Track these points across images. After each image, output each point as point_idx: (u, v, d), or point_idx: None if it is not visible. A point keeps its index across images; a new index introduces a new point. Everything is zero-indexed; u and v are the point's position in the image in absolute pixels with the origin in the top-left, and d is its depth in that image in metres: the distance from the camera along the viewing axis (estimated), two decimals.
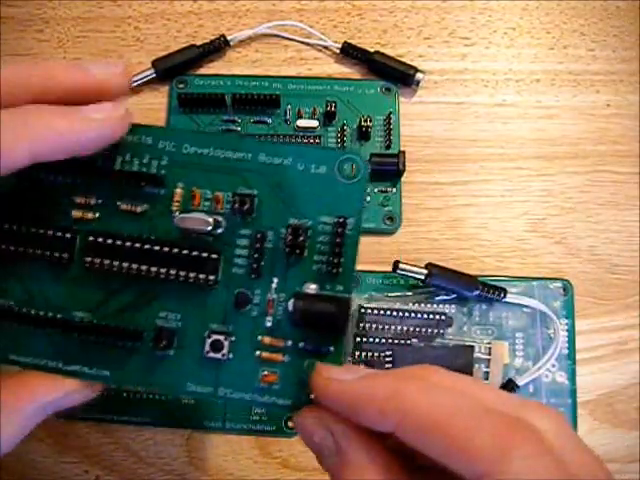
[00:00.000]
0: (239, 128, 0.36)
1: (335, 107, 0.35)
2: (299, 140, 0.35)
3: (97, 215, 0.22)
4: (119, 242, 0.22)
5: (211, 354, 0.21)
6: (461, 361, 0.32)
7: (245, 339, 0.22)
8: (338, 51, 0.38)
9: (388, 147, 0.36)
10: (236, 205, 0.21)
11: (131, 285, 0.22)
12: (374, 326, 0.32)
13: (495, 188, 0.36)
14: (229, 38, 0.37)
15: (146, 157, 0.22)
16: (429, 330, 0.32)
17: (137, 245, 0.22)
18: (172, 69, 0.36)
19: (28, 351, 0.22)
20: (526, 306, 0.33)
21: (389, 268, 0.32)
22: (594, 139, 0.37)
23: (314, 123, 0.36)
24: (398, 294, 0.33)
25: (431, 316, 0.32)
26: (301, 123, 0.36)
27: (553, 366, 0.33)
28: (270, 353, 0.22)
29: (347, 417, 0.19)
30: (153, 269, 0.22)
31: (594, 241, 0.36)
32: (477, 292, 0.32)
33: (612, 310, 0.35)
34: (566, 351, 0.33)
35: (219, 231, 0.22)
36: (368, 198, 0.35)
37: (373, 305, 0.32)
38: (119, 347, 0.22)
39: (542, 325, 0.33)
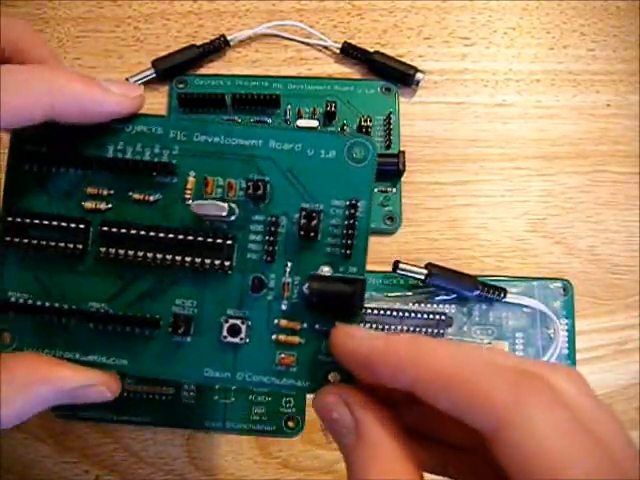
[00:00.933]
0: None
1: (335, 107, 0.35)
2: None
3: (110, 205, 0.22)
4: (133, 231, 0.22)
5: (229, 339, 0.22)
6: None
7: (262, 323, 0.22)
8: (338, 51, 0.38)
9: (388, 147, 0.36)
10: (250, 191, 0.21)
11: (146, 274, 0.22)
12: (374, 326, 0.32)
13: (495, 188, 0.36)
14: (229, 38, 0.37)
15: (157, 147, 0.22)
16: (429, 330, 0.32)
17: (151, 234, 0.22)
18: (172, 69, 0.36)
19: (45, 344, 0.22)
20: (526, 306, 0.33)
21: (389, 268, 0.32)
22: (594, 139, 0.37)
23: (314, 123, 0.36)
24: (398, 294, 0.33)
25: (431, 316, 0.32)
26: (301, 123, 0.36)
27: None
28: (287, 336, 0.22)
29: (365, 374, 0.19)
30: (168, 257, 0.22)
31: (594, 241, 0.36)
32: (477, 292, 0.32)
33: (612, 310, 0.35)
34: (566, 351, 0.33)
35: (233, 218, 0.22)
36: None
37: (373, 305, 0.32)
38: (136, 336, 0.22)
39: (542, 325, 0.33)
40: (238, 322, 0.22)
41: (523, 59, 0.39)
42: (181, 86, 0.37)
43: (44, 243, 0.22)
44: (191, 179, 0.22)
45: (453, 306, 0.33)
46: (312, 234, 0.22)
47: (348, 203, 0.22)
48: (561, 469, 0.15)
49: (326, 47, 0.38)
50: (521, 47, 0.39)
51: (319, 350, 0.22)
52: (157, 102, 0.37)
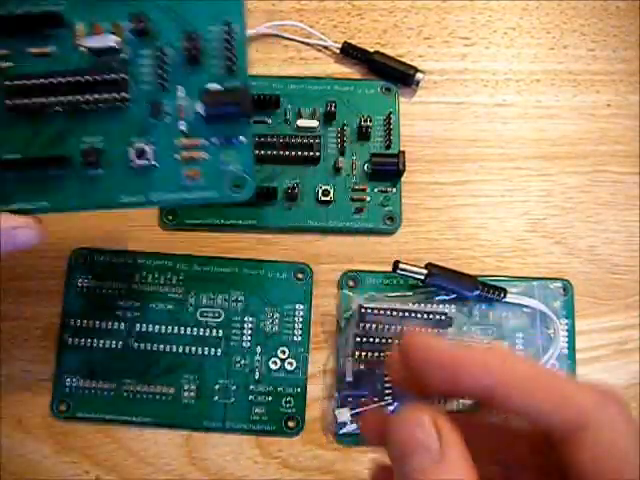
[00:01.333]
0: None
1: (335, 107, 0.35)
2: (298, 140, 0.35)
3: (11, 64, 0.24)
4: (35, 81, 0.24)
5: (137, 162, 0.24)
6: None
7: (165, 145, 0.24)
8: (338, 51, 0.38)
9: (388, 147, 0.36)
10: (133, 25, 0.24)
11: (53, 119, 0.24)
12: (374, 326, 0.32)
13: (495, 188, 0.36)
14: None
15: (46, 2, 0.24)
16: (429, 330, 0.32)
17: (52, 80, 0.24)
18: None
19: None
20: (526, 306, 0.33)
21: (389, 268, 0.32)
22: (594, 139, 0.37)
23: (314, 123, 0.36)
24: (398, 294, 0.33)
25: (431, 316, 0.32)
26: (301, 123, 0.36)
27: (553, 366, 0.33)
28: (189, 152, 0.24)
29: (447, 379, 0.19)
30: (70, 98, 0.24)
31: (594, 241, 0.36)
32: (477, 292, 0.32)
33: (612, 310, 0.35)
34: (566, 351, 0.33)
35: (124, 55, 0.24)
36: (368, 198, 0.35)
37: (373, 305, 0.32)
38: (52, 177, 0.24)
39: (542, 325, 0.33)
40: (143, 145, 0.24)
41: (523, 59, 0.39)
42: None
43: None
44: (80, 27, 0.24)
45: (453, 306, 0.33)
46: (195, 55, 0.24)
47: (224, 26, 0.24)
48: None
49: (326, 47, 0.38)
50: (521, 47, 0.39)
51: (220, 161, 0.24)
52: None
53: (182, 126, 0.24)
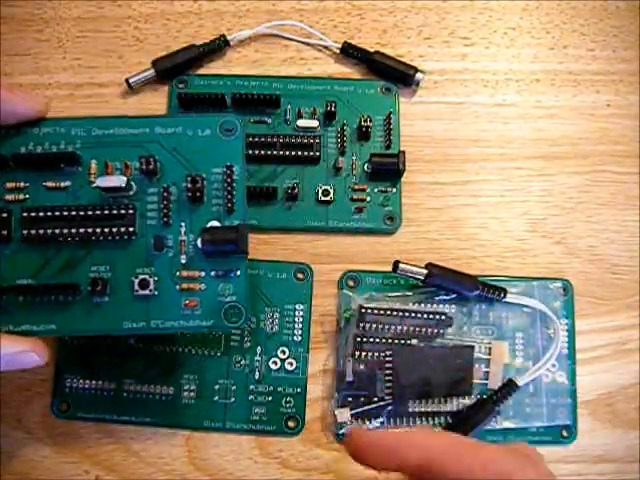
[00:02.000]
0: None
1: (335, 107, 0.35)
2: (298, 140, 0.35)
3: (27, 196, 0.27)
4: (49, 213, 0.26)
5: (140, 292, 0.26)
6: (461, 361, 0.32)
7: (166, 276, 0.26)
8: (338, 51, 0.38)
9: (388, 147, 0.36)
10: (142, 166, 0.26)
11: (64, 248, 0.26)
12: (374, 326, 0.32)
13: (495, 188, 0.36)
14: (229, 38, 0.37)
15: (62, 143, 0.27)
16: (429, 330, 0.32)
17: (65, 213, 0.26)
18: (172, 69, 0.36)
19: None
20: (526, 306, 0.33)
21: (389, 268, 0.32)
22: (594, 139, 0.37)
23: (314, 123, 0.36)
24: (398, 294, 0.33)
25: (431, 316, 0.32)
26: (301, 123, 0.36)
27: (553, 366, 0.33)
28: (188, 284, 0.26)
29: (392, 463, 0.22)
30: (81, 230, 0.26)
31: (594, 241, 0.36)
32: (477, 292, 0.32)
33: (612, 310, 0.35)
34: (566, 351, 0.33)
35: (131, 192, 0.27)
36: (368, 198, 0.35)
37: (373, 305, 0.32)
38: (60, 303, 0.26)
39: (542, 325, 0.33)
40: (146, 277, 0.26)
41: (523, 59, 0.39)
42: (181, 86, 0.37)
43: None
44: (93, 165, 0.27)
45: (453, 306, 0.33)
46: (198, 195, 0.26)
47: (225, 169, 0.27)
48: None
49: (326, 47, 0.38)
50: (521, 47, 0.39)
51: (217, 292, 0.26)
52: (157, 102, 0.37)
53: (183, 259, 0.26)
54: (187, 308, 0.26)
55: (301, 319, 0.33)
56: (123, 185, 0.26)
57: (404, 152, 0.35)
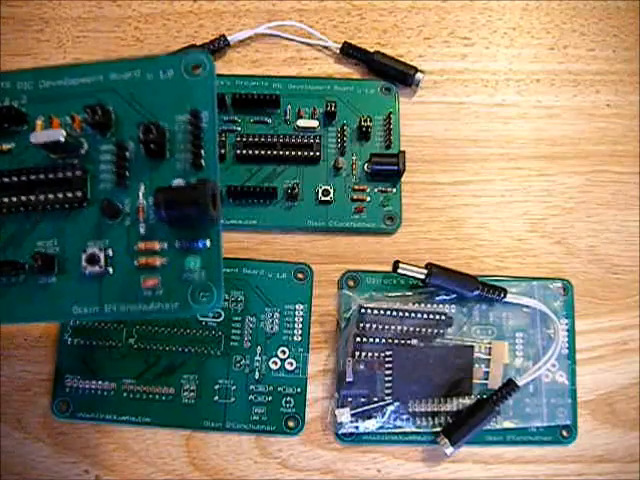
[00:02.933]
0: (239, 128, 0.36)
1: (335, 107, 0.35)
2: (298, 140, 0.35)
3: None
4: None
5: (89, 269, 0.21)
6: (461, 361, 0.32)
7: (122, 250, 0.22)
8: (338, 51, 0.38)
9: (388, 147, 0.36)
10: (89, 118, 0.22)
11: (7, 222, 0.22)
12: (374, 326, 0.32)
13: (495, 188, 0.36)
14: (229, 38, 0.37)
15: (6, 100, 0.23)
16: (429, 330, 0.32)
17: (5, 179, 0.22)
18: None
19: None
20: (526, 306, 0.33)
21: (389, 268, 0.32)
22: (594, 139, 0.37)
23: (314, 123, 0.36)
24: (398, 294, 0.33)
25: (431, 316, 0.32)
26: (301, 123, 0.36)
27: (553, 366, 0.33)
28: (147, 258, 0.21)
29: None
30: (24, 198, 0.22)
31: (594, 241, 0.36)
32: (477, 292, 0.32)
33: (612, 310, 0.35)
34: (566, 351, 0.33)
35: (82, 151, 0.22)
36: (368, 198, 0.35)
37: (373, 305, 0.32)
38: (2, 285, 0.22)
39: (542, 325, 0.33)
40: (95, 250, 0.22)
41: (523, 59, 0.39)
42: None
43: None
44: (39, 122, 0.23)
45: (453, 306, 0.33)
46: (155, 149, 0.22)
47: (190, 116, 0.22)
48: None
49: (326, 47, 0.38)
50: (521, 47, 0.39)
51: (183, 268, 0.21)
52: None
53: (141, 229, 0.22)
54: (147, 289, 0.21)
55: (301, 319, 0.33)
56: (61, 139, 0.21)
57: (404, 152, 0.35)
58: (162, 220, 0.22)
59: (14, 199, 0.22)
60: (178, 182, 0.22)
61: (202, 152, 0.22)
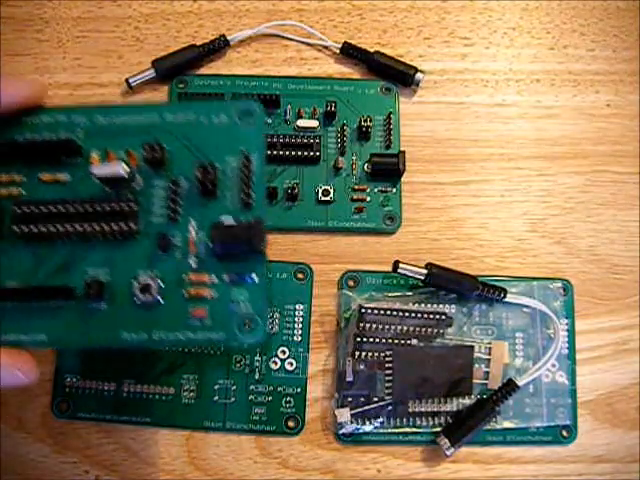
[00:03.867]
0: None
1: (335, 107, 0.35)
2: (298, 140, 0.35)
3: (22, 190, 0.24)
4: (44, 208, 0.23)
5: (141, 298, 0.22)
6: (461, 361, 0.32)
7: (172, 281, 0.23)
8: (338, 51, 0.38)
9: (388, 147, 0.36)
10: (147, 154, 0.23)
11: (59, 248, 0.23)
12: (374, 326, 0.32)
13: (495, 188, 0.36)
14: (229, 38, 0.37)
15: (62, 132, 0.24)
16: (429, 330, 0.32)
17: (60, 207, 0.23)
18: (172, 69, 0.36)
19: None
20: (526, 306, 0.33)
21: (389, 268, 0.32)
22: (594, 139, 0.37)
23: (314, 123, 0.36)
24: (398, 294, 0.33)
25: (431, 316, 0.32)
26: (301, 123, 0.36)
27: (553, 366, 0.33)
28: (197, 289, 0.23)
29: None
30: (78, 227, 0.23)
31: (594, 241, 0.36)
32: (477, 292, 0.32)
33: (612, 310, 0.35)
34: (566, 351, 0.33)
35: (136, 186, 0.24)
36: (368, 198, 0.35)
37: (373, 305, 0.32)
38: (52, 309, 0.23)
39: (542, 325, 0.33)
40: (148, 280, 0.23)
41: (523, 59, 0.39)
42: (181, 86, 0.37)
43: None
44: (94, 155, 0.24)
45: (453, 306, 0.33)
46: (210, 187, 0.23)
47: (242, 158, 0.23)
48: None
49: (326, 47, 0.38)
50: (521, 47, 0.39)
51: (230, 300, 0.23)
52: (157, 102, 0.37)
53: (191, 261, 0.23)
54: (195, 318, 0.22)
55: (301, 319, 0.33)
56: (123, 173, 0.23)
57: (404, 152, 0.35)
58: (215, 255, 0.23)
59: (69, 227, 0.23)
60: (227, 219, 0.23)
61: (251, 192, 0.23)
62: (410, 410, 0.32)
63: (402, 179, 0.35)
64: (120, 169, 0.22)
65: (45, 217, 0.23)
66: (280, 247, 0.34)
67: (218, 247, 0.22)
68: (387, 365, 0.32)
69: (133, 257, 0.23)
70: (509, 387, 0.31)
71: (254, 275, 0.23)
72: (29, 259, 0.23)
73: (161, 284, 0.23)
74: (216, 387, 0.32)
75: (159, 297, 0.23)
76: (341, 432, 0.32)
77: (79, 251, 0.23)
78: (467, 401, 0.32)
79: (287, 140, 0.35)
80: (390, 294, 0.33)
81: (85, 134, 0.24)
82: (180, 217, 0.23)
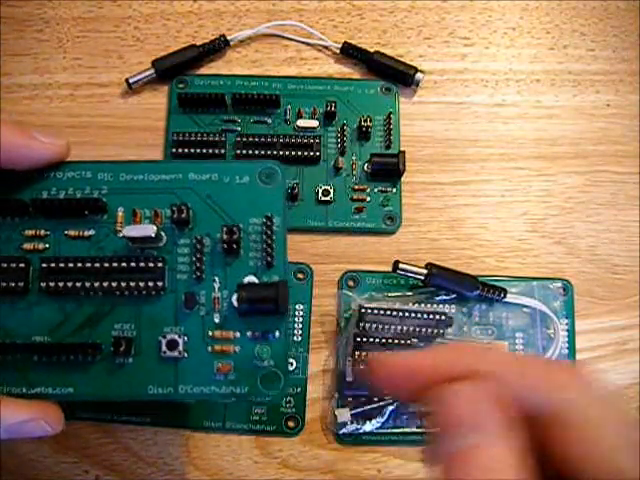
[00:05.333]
0: (239, 128, 0.36)
1: (335, 107, 0.35)
2: (298, 140, 0.35)
3: (47, 245, 0.24)
4: (71, 264, 0.23)
5: (168, 353, 0.23)
6: None
7: (197, 337, 0.24)
8: (338, 51, 0.38)
9: (388, 147, 0.36)
10: (174, 215, 0.24)
11: (86, 304, 0.24)
12: (374, 326, 0.32)
13: (495, 188, 0.36)
14: (229, 38, 0.37)
15: (87, 188, 0.25)
16: (429, 330, 0.32)
17: (87, 264, 0.23)
18: (172, 69, 0.36)
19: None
20: (526, 306, 0.33)
21: (389, 268, 0.32)
22: (594, 139, 0.37)
23: (314, 123, 0.36)
24: (398, 294, 0.33)
25: (431, 316, 0.32)
26: (301, 123, 0.36)
27: None
28: (222, 346, 0.24)
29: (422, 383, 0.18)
30: (105, 284, 0.23)
31: (594, 241, 0.36)
32: (477, 292, 0.32)
33: (612, 310, 0.35)
34: (566, 351, 0.33)
35: (161, 243, 0.24)
36: (368, 198, 0.35)
37: (373, 305, 0.32)
38: (79, 363, 0.23)
39: (542, 325, 0.33)
40: (175, 337, 0.23)
41: (523, 59, 0.39)
42: (181, 86, 0.37)
43: None
44: (120, 213, 0.25)
45: (453, 306, 0.33)
46: (234, 247, 0.24)
47: (264, 220, 0.24)
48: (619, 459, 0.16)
49: (326, 47, 0.38)
50: (521, 47, 0.39)
51: (254, 355, 0.23)
52: (157, 102, 0.37)
53: (216, 318, 0.24)
54: (220, 373, 0.23)
55: (301, 319, 0.33)
56: (153, 235, 0.23)
57: (404, 152, 0.35)
58: (239, 313, 0.24)
59: (95, 284, 0.23)
60: (250, 279, 0.24)
61: (273, 252, 0.24)
62: (410, 410, 0.32)
63: (402, 179, 0.35)
64: (151, 232, 0.23)
65: (71, 272, 0.23)
66: None
67: (244, 307, 0.23)
68: None
69: (159, 313, 0.24)
70: None
71: (277, 332, 0.24)
72: (56, 313, 0.24)
73: (186, 340, 0.24)
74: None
75: (185, 352, 0.23)
76: (341, 432, 0.32)
77: (105, 307, 0.24)
78: None
79: (287, 140, 0.35)
80: (390, 294, 0.33)
81: (109, 190, 0.25)
82: (204, 275, 0.24)
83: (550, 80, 0.38)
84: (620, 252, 0.35)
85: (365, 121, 0.35)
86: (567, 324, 0.33)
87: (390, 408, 0.31)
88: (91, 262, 0.23)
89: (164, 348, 0.23)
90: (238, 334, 0.24)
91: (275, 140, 0.35)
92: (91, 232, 0.24)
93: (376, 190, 0.35)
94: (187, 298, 0.24)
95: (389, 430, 0.31)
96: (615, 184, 0.36)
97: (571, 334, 0.33)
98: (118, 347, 0.23)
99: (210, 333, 0.24)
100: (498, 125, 0.37)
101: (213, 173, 0.25)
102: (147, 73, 0.36)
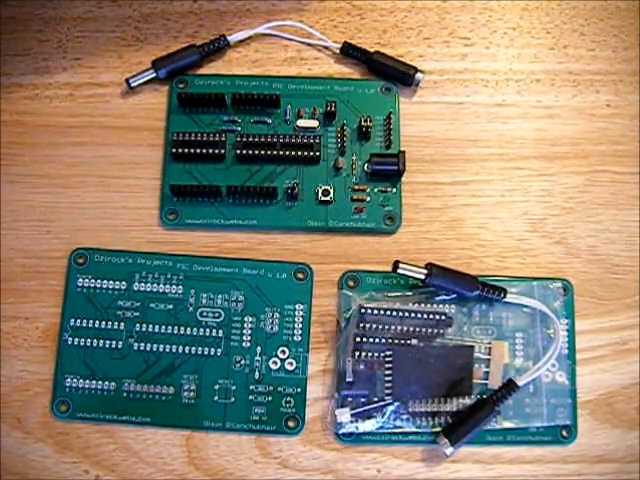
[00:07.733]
0: (239, 128, 0.36)
1: (335, 107, 0.35)
2: (298, 140, 0.35)
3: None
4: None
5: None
6: (461, 361, 0.32)
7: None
8: (338, 51, 0.38)
9: (388, 147, 0.36)
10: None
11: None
12: (374, 326, 0.32)
13: (495, 188, 0.36)
14: (229, 38, 0.37)
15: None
16: (429, 330, 0.32)
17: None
18: (172, 69, 0.36)
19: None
20: (526, 306, 0.33)
21: (389, 268, 0.32)
22: (594, 139, 0.37)
23: (314, 123, 0.36)
24: (398, 294, 0.33)
25: (431, 316, 0.32)
26: (301, 123, 0.36)
27: (553, 366, 0.33)
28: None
29: None
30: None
31: (594, 241, 0.36)
32: (477, 292, 0.32)
33: (612, 310, 0.35)
34: (566, 351, 0.33)
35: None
36: (368, 198, 0.35)
37: (373, 305, 0.32)
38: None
39: (542, 325, 0.33)
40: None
41: (523, 59, 0.39)
42: (181, 86, 0.37)
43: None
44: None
45: (453, 306, 0.33)
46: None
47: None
48: None
49: (326, 47, 0.38)
50: (521, 47, 0.39)
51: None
52: (157, 102, 0.37)
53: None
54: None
55: (301, 319, 0.33)
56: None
57: (404, 152, 0.35)
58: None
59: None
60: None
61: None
62: (410, 410, 0.32)
63: (402, 179, 0.35)
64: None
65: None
66: (280, 247, 0.34)
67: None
68: (387, 365, 0.32)
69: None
70: (509, 387, 0.31)
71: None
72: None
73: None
74: (216, 387, 0.32)
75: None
76: (341, 432, 0.32)
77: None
78: (467, 401, 0.32)
79: (287, 140, 0.35)
80: (390, 294, 0.33)
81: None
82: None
83: (550, 80, 0.38)
84: (620, 252, 0.35)
85: (365, 121, 0.35)
86: (567, 324, 0.33)
87: (390, 408, 0.31)
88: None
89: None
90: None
91: (275, 140, 0.35)
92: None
93: (376, 190, 0.35)
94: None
95: (389, 430, 0.31)
96: (615, 184, 0.36)
97: (571, 334, 0.33)
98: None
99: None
100: (498, 125, 0.37)
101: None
102: (147, 73, 0.36)
